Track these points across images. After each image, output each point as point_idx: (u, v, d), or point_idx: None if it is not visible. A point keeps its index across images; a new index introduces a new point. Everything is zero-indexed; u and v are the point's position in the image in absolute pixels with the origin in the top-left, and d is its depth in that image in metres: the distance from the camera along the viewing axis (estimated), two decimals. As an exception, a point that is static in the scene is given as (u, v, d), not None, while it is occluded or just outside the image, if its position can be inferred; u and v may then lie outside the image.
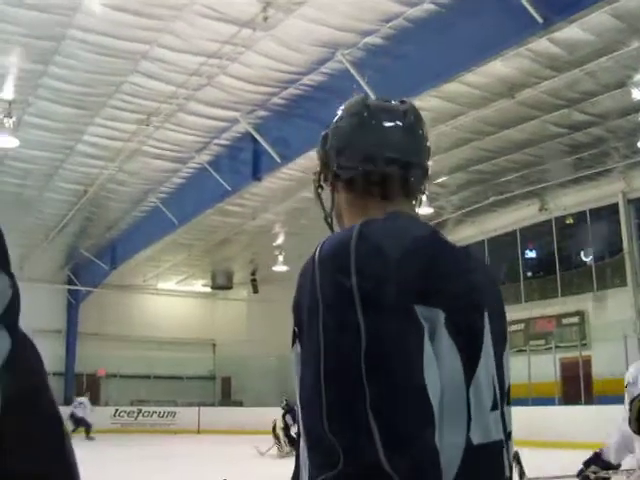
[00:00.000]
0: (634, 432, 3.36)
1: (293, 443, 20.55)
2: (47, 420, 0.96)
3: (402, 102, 1.59)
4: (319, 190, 1.50)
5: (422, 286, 1.13)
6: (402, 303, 1.10)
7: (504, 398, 1.29)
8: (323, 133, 1.51)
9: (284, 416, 18.99)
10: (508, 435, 1.30)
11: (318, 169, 1.50)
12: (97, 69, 13.46)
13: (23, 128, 15.66)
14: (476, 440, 1.16)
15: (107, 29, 12.16)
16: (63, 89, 14.23)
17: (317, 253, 1.18)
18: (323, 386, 1.06)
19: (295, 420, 19.88)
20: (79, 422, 23.30)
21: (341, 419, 1.04)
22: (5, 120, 14.63)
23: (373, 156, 1.41)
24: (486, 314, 1.25)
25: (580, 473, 3.97)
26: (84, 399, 24.69)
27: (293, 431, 20.47)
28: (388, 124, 1.46)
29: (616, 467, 3.97)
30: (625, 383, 3.96)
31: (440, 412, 1.10)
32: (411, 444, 1.03)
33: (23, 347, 0.88)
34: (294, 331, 1.20)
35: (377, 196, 1.40)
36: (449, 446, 1.11)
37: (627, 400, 2.96)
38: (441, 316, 1.13)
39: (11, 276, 0.93)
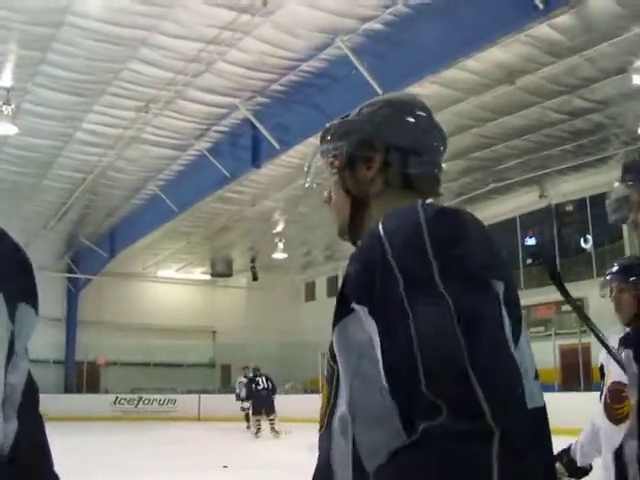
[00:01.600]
0: (609, 419, 3.06)
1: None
2: None
3: None
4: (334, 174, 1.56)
5: (488, 260, 1.20)
6: (479, 274, 1.15)
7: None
8: (364, 120, 1.55)
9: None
10: None
11: (340, 156, 1.54)
12: (96, 56, 13.42)
13: (22, 116, 15.63)
14: (529, 404, 1.19)
15: (106, 16, 12.11)
16: (62, 76, 14.19)
17: (382, 231, 1.21)
18: (418, 349, 1.09)
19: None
20: None
21: (443, 377, 1.07)
22: (4, 108, 14.61)
23: (436, 161, 1.54)
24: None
25: None
26: None
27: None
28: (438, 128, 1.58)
29: (580, 472, 3.32)
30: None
31: None
32: (508, 398, 1.08)
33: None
34: (343, 309, 1.24)
35: (420, 193, 1.45)
36: None
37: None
38: (502, 288, 1.18)
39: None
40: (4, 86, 14.32)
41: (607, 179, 20.64)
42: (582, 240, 22.12)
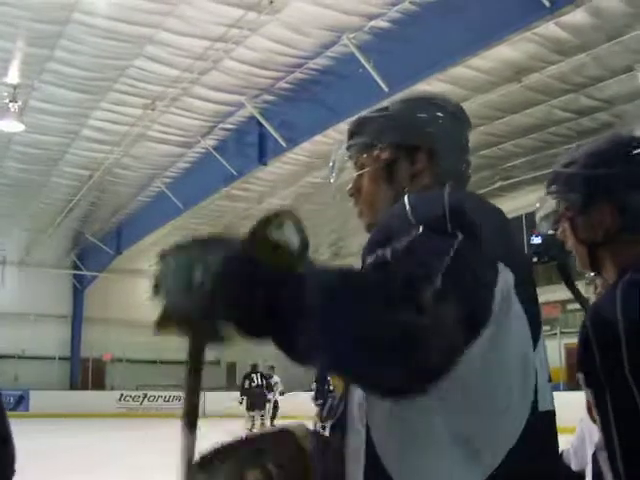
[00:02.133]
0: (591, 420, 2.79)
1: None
2: None
3: None
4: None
5: (499, 246, 1.22)
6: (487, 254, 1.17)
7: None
8: (409, 116, 1.60)
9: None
10: None
11: (387, 149, 1.57)
12: (102, 53, 13.44)
13: (29, 113, 15.67)
14: (541, 406, 1.26)
15: (112, 13, 12.13)
16: (68, 73, 14.21)
17: (407, 200, 1.27)
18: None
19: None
20: None
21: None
22: (11, 105, 14.66)
23: (466, 158, 1.63)
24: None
25: None
26: None
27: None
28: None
29: (576, 478, 2.98)
30: None
31: (514, 373, 1.22)
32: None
33: None
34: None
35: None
36: (518, 407, 1.22)
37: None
38: (511, 278, 1.21)
39: None
40: (11, 83, 14.36)
41: (614, 178, 20.71)
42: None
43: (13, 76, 14.16)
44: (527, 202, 22.70)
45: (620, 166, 1.82)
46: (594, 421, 2.49)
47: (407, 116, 1.59)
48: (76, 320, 30.69)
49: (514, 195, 22.25)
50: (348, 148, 1.66)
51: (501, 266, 1.19)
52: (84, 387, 29.69)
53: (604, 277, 1.91)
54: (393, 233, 1.19)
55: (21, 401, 27.08)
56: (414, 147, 1.55)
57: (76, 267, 30.09)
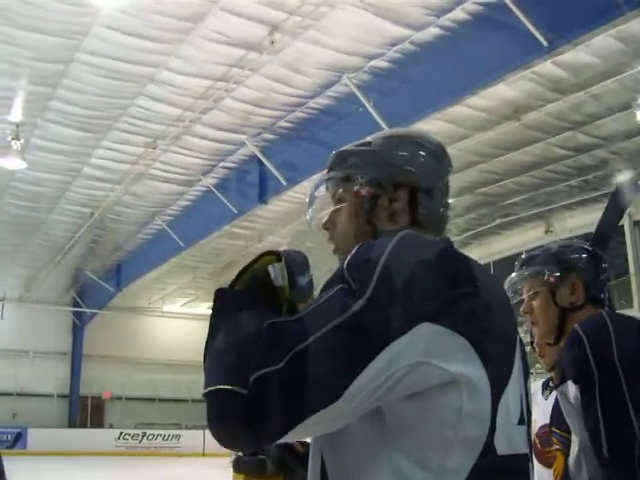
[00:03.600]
0: (541, 464, 2.86)
1: None
2: None
3: None
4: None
5: (441, 299, 1.22)
6: (401, 310, 1.17)
7: (529, 420, 1.41)
8: (392, 153, 1.57)
9: None
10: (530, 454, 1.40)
11: (368, 185, 1.54)
12: (104, 92, 13.56)
13: (31, 150, 15.76)
14: (501, 450, 1.24)
15: (114, 52, 12.27)
16: (70, 112, 14.32)
17: (357, 247, 1.29)
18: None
19: None
20: None
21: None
22: (13, 142, 14.74)
23: (444, 201, 1.58)
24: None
25: None
26: None
27: None
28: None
29: None
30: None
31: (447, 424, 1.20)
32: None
33: None
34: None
35: (427, 230, 1.50)
36: (459, 451, 1.20)
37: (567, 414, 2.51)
38: (451, 337, 1.20)
39: None
40: (14, 121, 14.46)
41: (613, 215, 20.63)
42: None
43: (16, 114, 14.27)
44: (526, 239, 22.76)
45: (585, 255, 2.50)
46: (541, 462, 2.74)
47: (390, 153, 1.55)
48: (75, 357, 30.54)
49: (513, 232, 22.27)
50: (327, 180, 1.63)
51: (427, 326, 1.16)
52: (83, 425, 29.48)
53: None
54: (327, 284, 1.25)
55: (19, 438, 26.91)
56: (395, 185, 1.51)
57: (76, 304, 30.02)
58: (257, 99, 13.89)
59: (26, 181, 17.88)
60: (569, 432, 2.32)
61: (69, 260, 25.03)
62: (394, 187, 1.51)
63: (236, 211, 17.48)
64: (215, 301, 1.35)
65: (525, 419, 1.35)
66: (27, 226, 21.36)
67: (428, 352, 1.16)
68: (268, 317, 1.20)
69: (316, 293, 1.28)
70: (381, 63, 12.44)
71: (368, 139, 1.62)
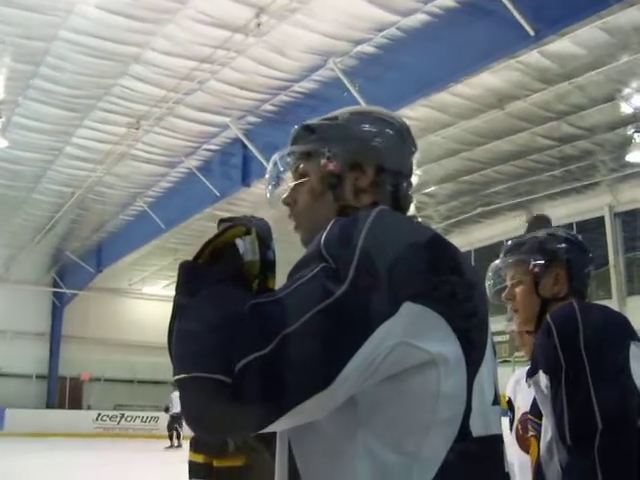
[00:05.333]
0: (523, 450, 2.92)
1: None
2: None
3: None
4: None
5: (416, 279, 1.18)
6: (387, 287, 1.14)
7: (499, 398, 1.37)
8: (359, 128, 1.52)
9: None
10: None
11: (333, 159, 1.49)
12: (88, 71, 13.45)
13: (12, 129, 15.63)
14: (476, 432, 1.21)
15: (99, 31, 12.15)
16: (53, 90, 14.20)
17: (330, 224, 1.23)
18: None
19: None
20: None
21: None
22: (-6, 120, 14.62)
23: (411, 181, 1.55)
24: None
25: None
26: None
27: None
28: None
29: None
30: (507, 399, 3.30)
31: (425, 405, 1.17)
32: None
33: None
34: None
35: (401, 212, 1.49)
36: (435, 433, 1.18)
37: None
38: (431, 314, 1.17)
39: None
40: (-5, 99, 14.34)
41: (594, 205, 20.84)
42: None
43: (-3, 92, 14.15)
44: (507, 228, 22.87)
45: (574, 245, 2.48)
46: (523, 449, 2.77)
47: (357, 127, 1.51)
48: (54, 338, 30.41)
49: (495, 221, 22.37)
50: (289, 154, 1.58)
51: (408, 306, 1.13)
52: (61, 406, 29.40)
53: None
54: (302, 262, 1.19)
55: (-4, 419, 26.82)
56: (361, 161, 1.47)
57: (56, 284, 29.88)
58: (242, 81, 13.82)
59: (7, 160, 17.73)
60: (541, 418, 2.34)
61: (49, 240, 24.90)
62: (360, 163, 1.47)
63: (218, 194, 17.43)
64: (180, 275, 1.24)
65: (499, 399, 1.33)
66: (7, 205, 21.21)
67: (408, 332, 1.13)
68: (243, 295, 1.15)
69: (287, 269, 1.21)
70: (367, 48, 12.41)
71: (334, 114, 1.57)
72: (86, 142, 16.79)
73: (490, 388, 1.29)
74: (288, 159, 1.59)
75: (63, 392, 29.87)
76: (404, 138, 1.55)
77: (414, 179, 1.56)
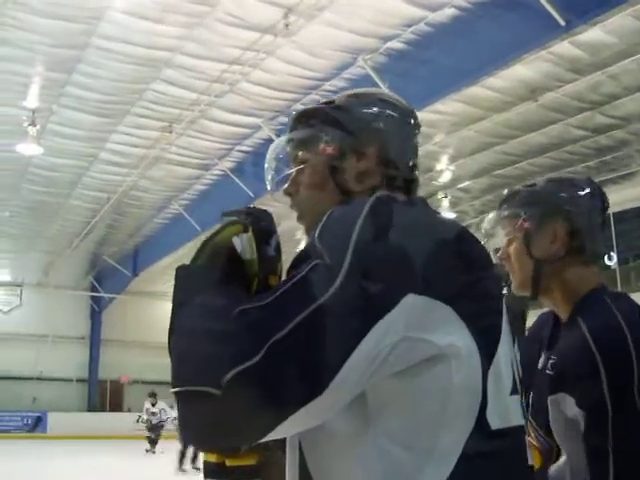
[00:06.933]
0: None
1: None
2: None
3: None
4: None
5: (427, 270, 1.11)
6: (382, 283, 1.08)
7: (520, 386, 1.29)
8: (362, 111, 1.46)
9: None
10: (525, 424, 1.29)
11: (333, 143, 1.43)
12: (120, 77, 13.57)
13: (47, 136, 15.81)
14: (495, 425, 1.15)
15: (129, 37, 12.27)
16: (86, 97, 14.35)
17: (327, 214, 1.18)
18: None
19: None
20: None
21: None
22: (29, 128, 14.81)
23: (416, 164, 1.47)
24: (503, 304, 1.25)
25: None
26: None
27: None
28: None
29: None
30: None
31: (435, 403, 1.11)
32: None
33: None
34: None
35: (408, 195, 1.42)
36: (450, 430, 1.12)
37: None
38: (439, 306, 1.11)
39: None
40: (30, 107, 14.52)
41: (631, 195, 20.60)
42: (606, 257, 21.94)
43: (32, 100, 14.32)
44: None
45: (577, 194, 2.03)
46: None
47: (356, 109, 1.45)
48: (94, 342, 30.78)
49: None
50: (288, 142, 1.53)
51: (410, 298, 1.07)
52: (102, 409, 29.73)
53: (541, 298, 2.00)
54: (297, 259, 1.14)
55: (39, 423, 27.23)
56: (362, 142, 1.41)
57: (94, 289, 30.21)
58: (272, 82, 13.85)
59: (43, 167, 17.95)
60: (551, 435, 1.94)
61: (86, 245, 25.17)
62: (360, 145, 1.41)
63: (252, 194, 17.48)
64: (176, 279, 1.19)
65: (518, 388, 1.26)
66: (44, 212, 21.48)
67: (413, 325, 1.07)
68: (238, 297, 1.10)
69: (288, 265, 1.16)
70: (397, 44, 12.38)
71: (332, 98, 1.53)
72: (120, 147, 16.95)
73: (508, 376, 1.21)
74: (287, 147, 1.54)
75: (104, 395, 30.20)
76: (406, 118, 1.48)
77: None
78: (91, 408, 29.84)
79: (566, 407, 1.80)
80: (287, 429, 1.06)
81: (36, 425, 27.24)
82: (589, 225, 2.01)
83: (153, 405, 21.16)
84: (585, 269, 1.99)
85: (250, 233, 1.24)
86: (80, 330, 30.53)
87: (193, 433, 1.10)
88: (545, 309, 2.14)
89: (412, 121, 1.49)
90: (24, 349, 28.41)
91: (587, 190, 2.05)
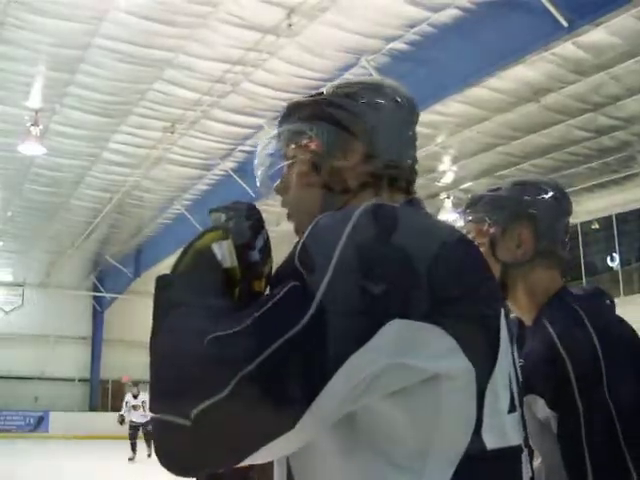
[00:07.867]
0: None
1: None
2: None
3: None
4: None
5: (401, 289, 1.03)
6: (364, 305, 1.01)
7: (520, 400, 1.23)
8: (348, 101, 1.36)
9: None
10: (525, 440, 1.23)
11: (316, 138, 1.35)
12: (122, 77, 13.58)
13: (50, 136, 15.82)
14: (490, 445, 1.09)
15: (132, 37, 12.28)
16: (89, 97, 14.36)
17: (313, 224, 1.10)
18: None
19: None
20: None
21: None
22: (32, 128, 14.82)
23: (413, 157, 1.39)
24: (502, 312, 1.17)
25: None
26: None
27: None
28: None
29: None
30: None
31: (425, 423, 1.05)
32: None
33: None
34: None
35: (400, 193, 1.34)
36: (442, 451, 1.06)
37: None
38: (401, 327, 1.01)
39: None
40: (33, 107, 14.54)
41: (634, 196, 20.55)
42: (608, 258, 21.94)
43: (35, 100, 14.34)
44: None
45: (542, 197, 2.02)
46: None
47: (342, 100, 1.35)
48: (96, 342, 30.79)
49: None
50: (277, 136, 1.42)
51: (396, 323, 0.98)
52: (104, 409, 29.73)
53: (507, 302, 1.98)
54: (276, 277, 1.08)
55: (41, 422, 27.26)
56: (352, 135, 1.31)
57: (96, 289, 30.22)
58: (275, 82, 13.85)
59: (45, 167, 17.97)
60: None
61: (89, 245, 25.18)
62: (347, 139, 1.32)
63: (254, 195, 17.47)
64: (155, 291, 1.13)
65: (516, 404, 1.18)
66: (47, 211, 21.49)
67: (399, 351, 0.99)
68: (216, 313, 1.03)
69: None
70: (399, 45, 12.38)
71: (321, 90, 1.43)
72: (123, 147, 16.96)
73: (505, 394, 1.14)
74: (275, 142, 1.43)
75: (105, 395, 30.20)
76: (400, 105, 1.38)
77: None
78: (93, 408, 29.85)
79: (537, 409, 1.79)
80: (262, 457, 1.01)
81: (38, 425, 27.28)
82: (554, 229, 2.02)
83: (135, 397, 19.92)
84: (550, 272, 2.00)
85: (229, 240, 1.15)
86: (82, 330, 30.54)
87: (166, 460, 1.05)
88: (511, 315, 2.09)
89: (406, 107, 1.39)
90: (26, 349, 28.44)
91: (551, 193, 2.04)
